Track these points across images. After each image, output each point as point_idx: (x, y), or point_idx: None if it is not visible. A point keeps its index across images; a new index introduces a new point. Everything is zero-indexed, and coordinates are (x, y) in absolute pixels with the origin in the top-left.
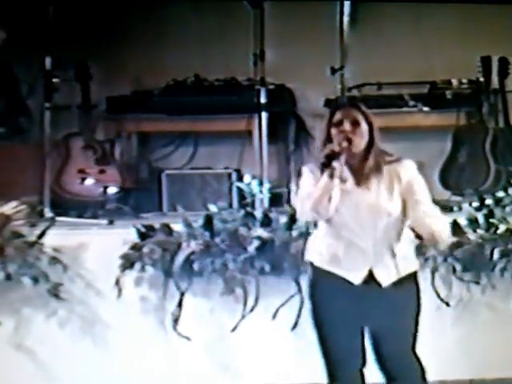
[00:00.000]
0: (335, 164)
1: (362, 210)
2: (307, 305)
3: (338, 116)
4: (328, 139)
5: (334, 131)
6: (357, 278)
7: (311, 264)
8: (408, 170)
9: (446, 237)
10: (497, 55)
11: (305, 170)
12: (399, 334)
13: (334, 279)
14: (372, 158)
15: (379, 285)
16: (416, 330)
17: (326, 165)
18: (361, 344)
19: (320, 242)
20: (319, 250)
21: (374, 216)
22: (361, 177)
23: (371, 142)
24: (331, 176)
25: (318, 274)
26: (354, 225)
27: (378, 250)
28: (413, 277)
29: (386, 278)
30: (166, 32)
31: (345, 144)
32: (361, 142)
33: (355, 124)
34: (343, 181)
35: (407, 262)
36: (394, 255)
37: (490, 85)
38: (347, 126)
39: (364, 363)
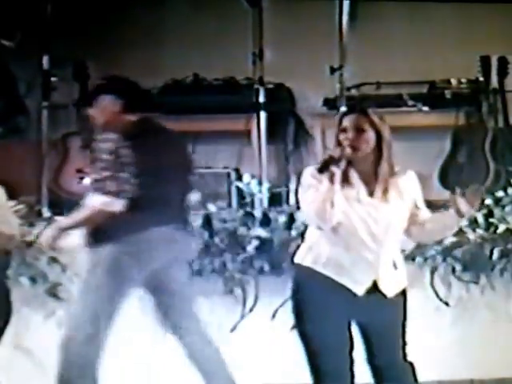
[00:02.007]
0: (334, 169)
1: (374, 221)
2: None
3: (344, 123)
4: (337, 145)
5: (341, 137)
6: (360, 289)
7: (299, 265)
8: (412, 182)
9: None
10: (496, 55)
11: (306, 173)
12: (393, 342)
13: (335, 285)
14: (384, 167)
15: (383, 295)
16: (404, 338)
17: (321, 170)
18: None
19: (320, 248)
20: (318, 255)
21: (384, 228)
22: (373, 186)
23: (379, 151)
24: (331, 181)
25: (313, 278)
26: (364, 235)
27: (384, 261)
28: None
29: (390, 289)
30: (164, 31)
31: (348, 151)
32: (366, 150)
33: (360, 131)
34: (348, 186)
35: (404, 273)
36: (396, 267)
37: (490, 84)
38: (351, 133)
39: (352, 363)
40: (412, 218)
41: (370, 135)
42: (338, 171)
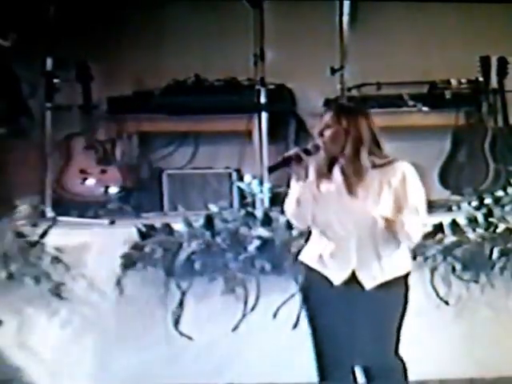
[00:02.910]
0: (295, 168)
1: (346, 213)
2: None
3: (321, 119)
4: (316, 140)
5: (317, 133)
6: (338, 278)
7: (301, 263)
8: (400, 172)
9: (414, 234)
10: (496, 55)
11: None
12: (381, 336)
13: (322, 278)
14: (362, 161)
15: (362, 287)
16: (399, 334)
17: (273, 168)
18: (350, 341)
19: (311, 242)
20: (309, 249)
21: (357, 219)
22: (351, 180)
23: (355, 148)
24: (297, 180)
25: (309, 272)
26: (338, 226)
27: (363, 252)
28: (402, 279)
29: (369, 280)
30: (166, 32)
31: (312, 149)
32: (332, 147)
33: (327, 128)
34: (328, 181)
35: (395, 265)
36: (379, 258)
37: (489, 84)
38: (318, 130)
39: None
40: (398, 209)
41: (335, 132)
42: (299, 169)
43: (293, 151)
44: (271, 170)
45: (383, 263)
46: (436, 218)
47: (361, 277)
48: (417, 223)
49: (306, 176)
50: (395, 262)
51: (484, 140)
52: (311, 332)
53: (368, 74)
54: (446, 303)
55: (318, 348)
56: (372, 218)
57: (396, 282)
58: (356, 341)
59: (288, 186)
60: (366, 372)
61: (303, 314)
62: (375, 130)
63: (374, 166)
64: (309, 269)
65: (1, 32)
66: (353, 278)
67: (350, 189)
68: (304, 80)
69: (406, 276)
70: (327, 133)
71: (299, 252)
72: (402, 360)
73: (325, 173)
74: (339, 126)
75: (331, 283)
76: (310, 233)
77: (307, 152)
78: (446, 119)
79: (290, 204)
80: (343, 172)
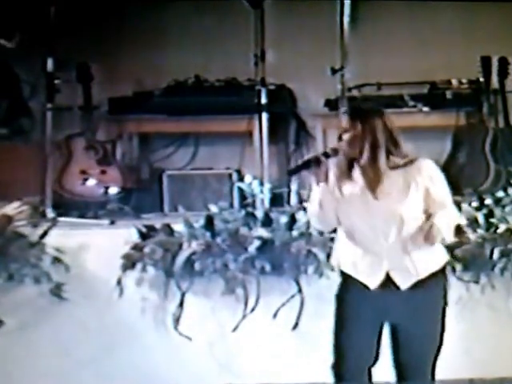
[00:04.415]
0: (315, 171)
1: (374, 215)
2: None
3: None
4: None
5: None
6: (373, 282)
7: (339, 270)
8: (424, 170)
9: (446, 234)
10: (497, 55)
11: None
12: (421, 337)
13: (357, 282)
14: (381, 163)
15: (398, 288)
16: (442, 336)
17: (294, 171)
18: (376, 343)
19: (340, 247)
20: (340, 254)
21: (385, 221)
22: (372, 181)
23: (373, 151)
24: (317, 183)
25: (345, 277)
26: (366, 229)
27: (394, 253)
28: (439, 273)
29: (404, 280)
30: (166, 33)
31: (331, 152)
32: (350, 151)
33: (345, 132)
34: (351, 183)
35: (428, 261)
36: (411, 256)
37: (490, 85)
38: (339, 135)
39: (375, 362)
40: (428, 207)
41: (353, 135)
42: (319, 172)
43: (312, 155)
44: (291, 173)
45: (415, 261)
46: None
47: (395, 277)
48: (448, 222)
49: (326, 179)
50: (428, 258)
51: (485, 140)
52: (338, 333)
53: (368, 75)
54: (446, 304)
55: (340, 343)
56: (399, 217)
57: (432, 278)
58: (391, 342)
59: (288, 186)
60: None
61: (308, 317)
62: (392, 129)
63: (397, 167)
64: (344, 274)
65: (5, 33)
66: (388, 280)
67: (373, 190)
68: (304, 80)
69: (443, 269)
70: (345, 137)
71: (298, 257)
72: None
73: (345, 175)
74: (355, 130)
75: (365, 286)
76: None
77: (326, 155)
78: (447, 119)
79: (312, 207)
80: (363, 174)
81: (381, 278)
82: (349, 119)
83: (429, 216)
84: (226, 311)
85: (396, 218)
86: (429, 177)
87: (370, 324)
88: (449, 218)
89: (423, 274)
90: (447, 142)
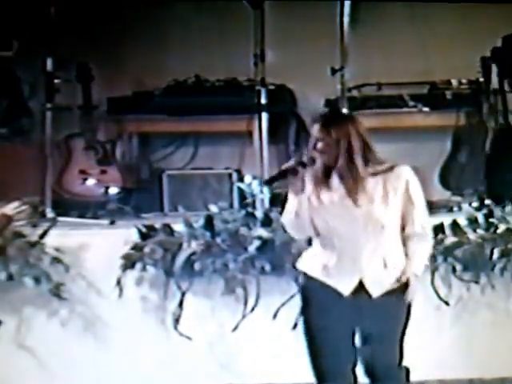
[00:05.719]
0: (292, 180)
1: (354, 222)
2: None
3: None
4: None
5: (311, 145)
6: (347, 288)
7: (303, 273)
8: (403, 177)
9: (418, 270)
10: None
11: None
12: (388, 343)
13: (326, 288)
14: (360, 169)
15: (369, 295)
16: (402, 341)
17: (270, 181)
18: (351, 348)
19: (312, 251)
20: (309, 258)
21: (365, 227)
22: (352, 188)
23: (349, 156)
24: (294, 192)
25: (309, 282)
26: (344, 235)
27: (370, 260)
28: (406, 284)
29: (376, 289)
30: (166, 33)
31: (308, 161)
32: (326, 159)
33: (318, 141)
34: (328, 190)
35: (401, 271)
36: (386, 265)
37: (490, 85)
38: (313, 144)
39: (355, 363)
40: (406, 214)
41: (327, 143)
42: (295, 181)
43: (289, 164)
44: (269, 182)
45: (390, 269)
46: (437, 219)
47: (368, 285)
48: (422, 257)
49: (303, 188)
50: (401, 268)
51: (485, 141)
52: (308, 338)
53: (368, 75)
54: (447, 304)
55: (315, 353)
56: (379, 223)
57: (402, 287)
58: (361, 347)
59: (287, 187)
60: (370, 375)
61: (300, 319)
62: (365, 134)
63: (377, 173)
64: (309, 278)
65: (4, 43)
66: (360, 287)
67: (352, 197)
68: (304, 80)
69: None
70: (319, 145)
71: (298, 257)
72: (406, 368)
73: (323, 183)
74: (329, 137)
75: (336, 292)
76: (309, 242)
77: (303, 165)
78: (447, 120)
79: (288, 216)
80: (342, 181)
81: (354, 284)
82: (321, 127)
83: (405, 238)
84: (226, 311)
85: (376, 224)
86: (407, 183)
87: (343, 328)
88: (423, 250)
89: (396, 284)
90: (447, 142)
